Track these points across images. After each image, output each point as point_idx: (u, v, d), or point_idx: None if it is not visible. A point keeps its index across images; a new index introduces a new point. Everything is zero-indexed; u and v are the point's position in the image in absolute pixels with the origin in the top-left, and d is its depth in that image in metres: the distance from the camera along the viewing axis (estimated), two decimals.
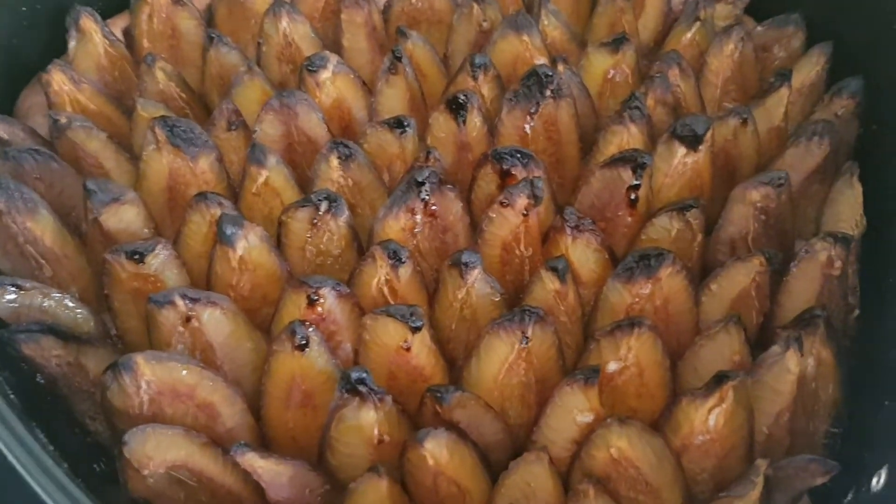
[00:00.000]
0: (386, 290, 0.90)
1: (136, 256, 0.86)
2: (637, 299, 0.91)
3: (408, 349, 0.84)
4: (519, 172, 0.96)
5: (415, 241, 0.94)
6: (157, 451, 0.75)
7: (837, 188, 1.03)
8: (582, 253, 0.95)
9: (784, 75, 1.08)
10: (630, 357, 0.87)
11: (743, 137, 1.04)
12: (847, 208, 1.01)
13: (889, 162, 1.05)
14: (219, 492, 0.76)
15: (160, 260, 0.88)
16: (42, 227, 0.89)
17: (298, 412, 0.83)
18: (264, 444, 0.84)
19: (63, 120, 0.95)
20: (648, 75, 1.08)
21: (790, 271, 0.95)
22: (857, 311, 0.98)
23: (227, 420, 0.81)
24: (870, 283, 0.99)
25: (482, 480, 0.81)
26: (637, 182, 0.96)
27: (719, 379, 0.82)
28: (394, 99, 1.06)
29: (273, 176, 0.96)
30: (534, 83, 1.02)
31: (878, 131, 1.08)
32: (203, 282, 0.90)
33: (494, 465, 0.83)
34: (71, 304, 0.86)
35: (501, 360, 0.86)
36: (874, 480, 0.79)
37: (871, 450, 0.83)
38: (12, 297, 0.83)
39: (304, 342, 0.81)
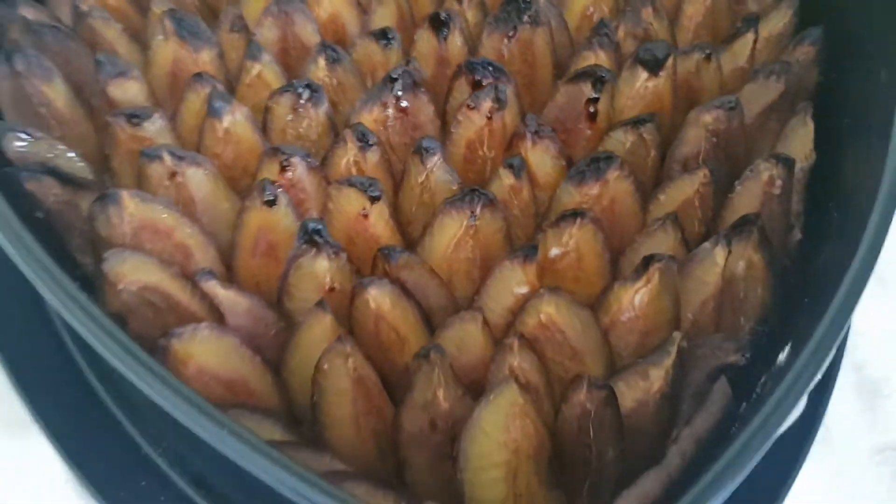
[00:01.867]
0: (354, 171, 0.99)
1: (135, 120, 0.97)
2: (586, 199, 0.99)
3: (366, 216, 0.93)
4: (488, 83, 1.05)
5: (386, 134, 1.04)
6: (132, 272, 0.84)
7: (791, 125, 1.09)
8: (540, 158, 1.03)
9: (751, 21, 1.15)
10: (571, 244, 0.94)
11: (706, 72, 1.12)
12: (798, 142, 1.07)
13: (844, 107, 1.11)
14: (184, 315, 0.85)
15: (156, 126, 0.98)
16: (55, 93, 1.00)
17: (262, 261, 0.92)
18: None
19: (84, 7, 1.07)
20: (622, 10, 1.17)
21: (734, 189, 1.01)
22: (798, 235, 1.04)
23: (200, 262, 0.91)
24: (816, 215, 1.05)
25: (421, 334, 0.89)
26: (596, 96, 1.04)
27: (647, 261, 0.89)
28: (385, 18, 1.16)
29: (265, 70, 1.06)
30: (513, 9, 1.11)
31: (836, 79, 1.14)
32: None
33: (436, 329, 0.91)
34: (74, 157, 0.96)
35: (451, 235, 0.94)
36: (780, 357, 0.85)
37: (783, 337, 0.89)
38: (23, 143, 0.93)
39: (272, 198, 0.91)
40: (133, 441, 0.97)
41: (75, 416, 0.98)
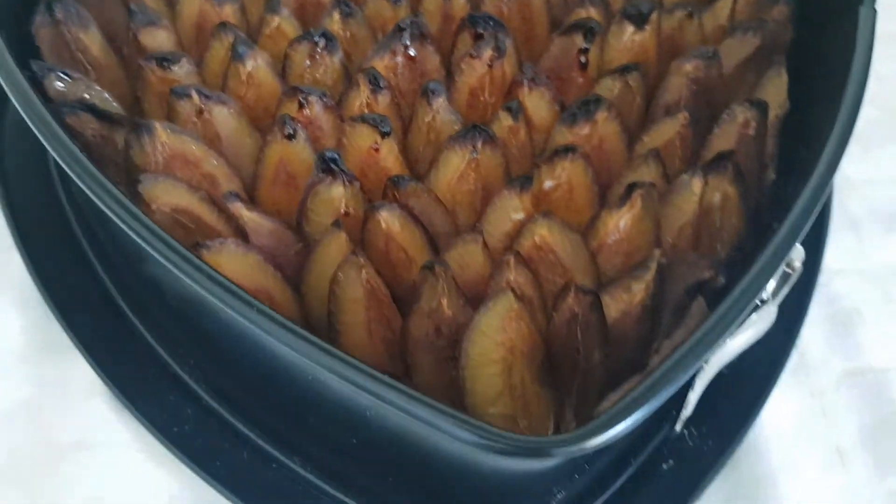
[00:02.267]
0: (367, 112, 1.08)
1: (165, 63, 1.06)
2: (577, 139, 1.08)
3: (377, 150, 1.02)
4: (489, 34, 1.14)
5: (396, 81, 1.13)
6: (165, 194, 0.93)
7: (767, 76, 1.18)
8: (536, 103, 1.12)
9: None
10: (563, 177, 1.03)
11: (688, 29, 1.21)
12: (773, 91, 1.16)
13: (815, 60, 1.21)
14: (212, 235, 0.94)
15: (184, 70, 1.07)
16: (91, 40, 1.09)
17: (283, 190, 1.01)
18: None
19: None
20: None
21: (712, 132, 1.11)
22: (773, 175, 1.13)
23: (226, 190, 1.00)
24: (787, 156, 1.15)
25: (427, 255, 0.98)
26: (587, 46, 1.13)
27: (630, 188, 0.98)
28: None
29: (283, 23, 1.15)
30: None
31: (808, 35, 1.23)
32: None
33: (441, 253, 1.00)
34: (108, 98, 1.05)
35: (455, 169, 1.03)
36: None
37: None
38: (62, 83, 1.02)
39: (292, 132, 1.00)
40: (163, 360, 1.06)
41: (110, 340, 1.07)
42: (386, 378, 0.71)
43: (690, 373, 0.75)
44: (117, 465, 1.01)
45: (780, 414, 1.08)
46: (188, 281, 0.76)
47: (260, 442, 1.01)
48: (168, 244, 0.76)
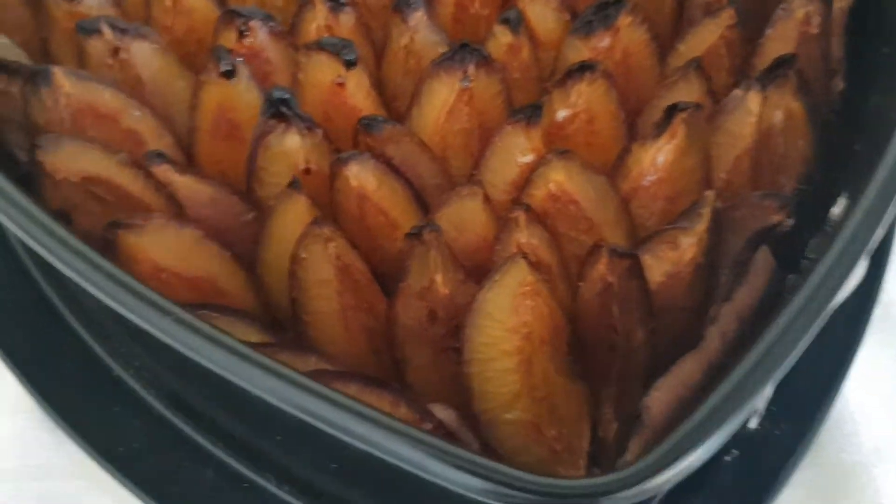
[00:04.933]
0: (326, 36, 0.85)
1: None
2: (596, 54, 0.86)
3: (341, 85, 0.81)
4: None
5: None
6: (72, 160, 0.73)
7: None
8: (540, 11, 0.90)
9: None
10: (580, 104, 0.82)
11: None
12: None
13: None
14: (138, 209, 0.74)
15: (96, 1, 0.85)
16: None
17: (226, 144, 0.80)
18: None
19: None
20: None
21: (765, 33, 0.88)
22: (841, 84, 0.91)
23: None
24: (859, 60, 0.92)
25: (414, 216, 0.77)
26: None
27: (669, 112, 0.76)
28: None
29: None
30: None
31: None
32: None
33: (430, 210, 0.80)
34: (8, 44, 0.84)
35: (442, 102, 0.82)
36: (831, 215, 0.73)
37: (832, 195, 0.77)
38: None
39: (230, 69, 0.78)
40: (102, 363, 0.87)
41: (36, 337, 0.88)
42: (352, 405, 0.51)
43: (781, 371, 0.54)
44: (52, 498, 0.83)
45: (867, 385, 0.88)
46: (86, 285, 0.56)
47: (226, 458, 0.82)
48: (44, 228, 0.56)
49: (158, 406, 0.85)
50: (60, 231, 0.60)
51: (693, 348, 0.73)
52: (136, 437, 0.84)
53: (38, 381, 0.86)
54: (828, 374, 0.85)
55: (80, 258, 0.59)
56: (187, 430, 0.84)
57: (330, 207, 0.77)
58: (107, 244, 0.68)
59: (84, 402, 0.85)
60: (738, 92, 0.80)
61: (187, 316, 0.53)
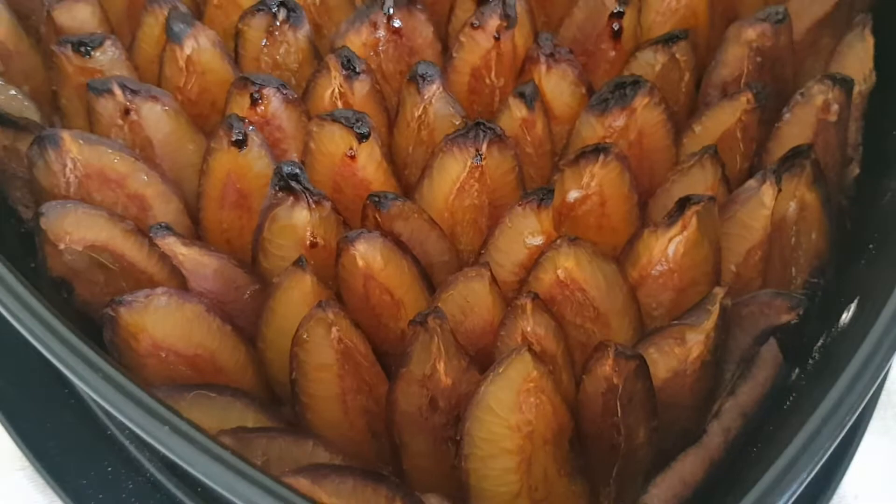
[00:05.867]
0: (340, 104, 0.85)
1: (83, 49, 0.83)
2: (610, 133, 0.85)
3: (353, 157, 0.80)
4: None
5: (378, 61, 0.89)
6: (76, 228, 0.72)
7: (847, 41, 0.94)
8: (556, 85, 0.89)
9: None
10: (593, 185, 0.81)
11: None
12: (855, 61, 0.92)
13: None
14: (141, 279, 0.73)
15: (108, 56, 0.84)
16: None
17: (233, 213, 0.79)
18: None
19: None
20: None
21: (782, 117, 0.87)
22: (857, 170, 0.90)
23: (160, 216, 0.78)
24: (874, 144, 0.91)
25: (420, 295, 0.76)
26: (620, 10, 0.89)
27: (682, 203, 0.75)
28: None
29: None
30: None
31: None
32: None
33: (437, 289, 0.78)
34: (18, 95, 0.83)
35: (454, 178, 0.81)
36: (843, 316, 0.72)
37: (844, 292, 0.76)
38: None
39: (241, 137, 0.78)
40: (97, 420, 0.85)
41: (32, 392, 0.86)
42: None
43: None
44: None
45: (865, 471, 0.87)
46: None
47: None
48: (37, 316, 0.54)
49: (151, 468, 0.83)
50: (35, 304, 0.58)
51: (695, 443, 0.72)
52: (129, 499, 0.82)
53: (31, 437, 0.84)
54: (829, 465, 0.84)
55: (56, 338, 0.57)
56: (180, 494, 0.82)
57: (334, 280, 0.76)
58: (106, 319, 0.67)
59: (78, 461, 0.83)
60: (752, 183, 0.79)
61: (180, 423, 0.51)
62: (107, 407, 0.51)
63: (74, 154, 0.74)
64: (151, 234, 0.72)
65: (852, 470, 0.86)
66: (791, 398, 0.73)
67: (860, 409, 0.57)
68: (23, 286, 0.59)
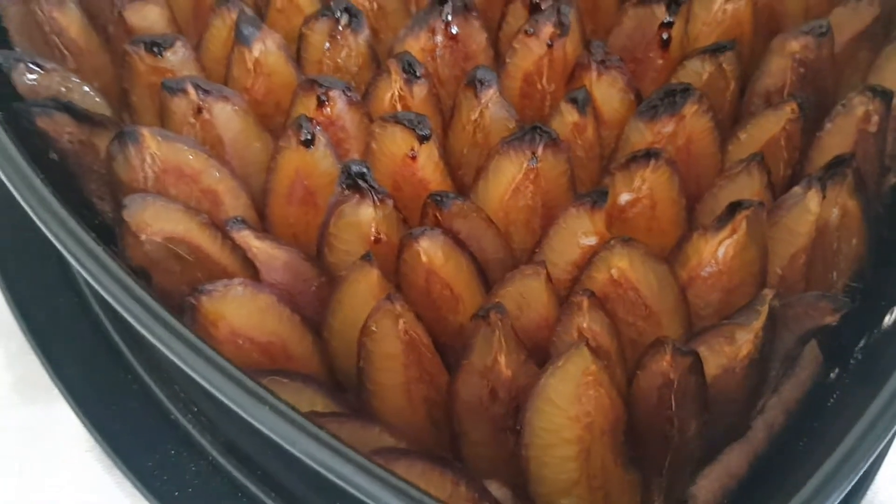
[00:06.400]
0: (399, 106, 0.88)
1: (156, 48, 0.87)
2: (659, 138, 0.88)
3: (413, 158, 0.83)
4: (548, 5, 0.93)
5: (434, 65, 0.93)
6: (155, 220, 0.75)
7: (885, 53, 0.97)
8: (606, 91, 0.92)
9: None
10: (643, 189, 0.84)
11: None
12: (893, 74, 0.95)
13: None
14: (215, 269, 0.76)
15: (179, 57, 0.88)
16: (69, 19, 0.90)
17: (300, 209, 0.83)
18: None
19: None
20: None
21: (824, 127, 0.90)
22: (893, 179, 0.93)
23: (231, 210, 0.82)
24: None
25: (477, 290, 0.80)
26: (670, 20, 0.92)
27: (733, 208, 0.79)
28: None
29: None
30: None
31: None
32: None
33: (492, 284, 0.82)
34: (90, 92, 0.87)
35: (509, 180, 0.84)
36: (886, 318, 0.75)
37: (882, 295, 0.79)
38: (34, 75, 0.84)
39: (309, 137, 0.81)
40: (162, 406, 0.89)
41: (99, 378, 0.90)
42: (409, 490, 0.53)
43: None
44: None
45: None
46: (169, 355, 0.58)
47: None
48: (140, 301, 0.58)
49: (214, 452, 0.87)
50: (142, 294, 0.62)
51: (740, 437, 0.76)
52: (191, 481, 0.86)
53: (99, 421, 0.88)
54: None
55: (160, 323, 0.61)
56: (240, 477, 0.86)
57: (395, 275, 0.80)
58: (187, 307, 0.71)
59: (143, 444, 0.87)
60: (797, 189, 0.82)
61: (258, 387, 0.54)
62: (210, 389, 0.54)
63: (153, 150, 0.78)
64: (228, 228, 0.76)
65: (882, 477, 0.89)
66: (834, 396, 0.76)
67: None
68: (119, 268, 0.62)
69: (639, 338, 0.79)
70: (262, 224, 0.84)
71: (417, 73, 0.87)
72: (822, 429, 0.73)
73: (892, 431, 0.59)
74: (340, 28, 0.90)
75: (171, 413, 0.89)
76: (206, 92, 0.83)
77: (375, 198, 0.79)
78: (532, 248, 0.84)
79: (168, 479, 0.85)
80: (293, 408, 0.54)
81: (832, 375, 0.81)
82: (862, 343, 0.79)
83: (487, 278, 0.81)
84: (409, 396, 0.74)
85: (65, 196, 0.81)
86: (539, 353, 0.76)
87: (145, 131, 0.78)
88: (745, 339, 0.74)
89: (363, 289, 0.76)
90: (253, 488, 0.85)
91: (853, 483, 0.57)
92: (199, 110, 0.83)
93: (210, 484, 0.86)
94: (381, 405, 0.74)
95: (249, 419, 0.54)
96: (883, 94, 0.89)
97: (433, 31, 0.91)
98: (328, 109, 0.84)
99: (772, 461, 0.75)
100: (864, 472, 0.86)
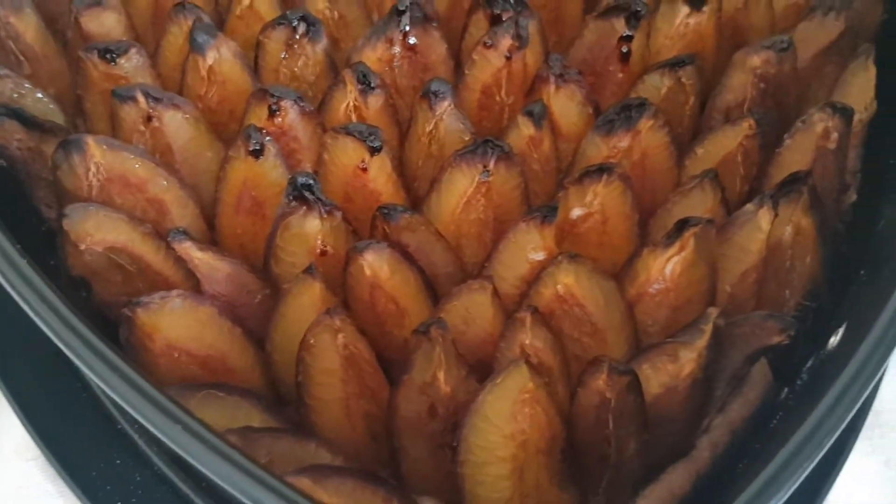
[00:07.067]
0: (354, 117, 0.88)
1: (109, 55, 0.86)
2: (615, 153, 0.88)
3: (364, 170, 0.83)
4: (508, 17, 0.93)
5: (392, 76, 0.92)
6: (97, 230, 0.75)
7: (851, 69, 0.96)
8: (564, 104, 0.91)
9: None
10: (595, 204, 0.83)
11: (755, 8, 0.99)
12: (858, 90, 0.94)
13: None
14: (157, 280, 0.76)
15: (133, 64, 0.88)
16: (25, 24, 0.90)
17: (248, 219, 0.82)
18: None
19: None
20: None
21: (783, 143, 0.89)
22: (854, 196, 0.92)
23: (178, 220, 0.81)
24: (872, 171, 0.93)
25: (424, 304, 0.79)
26: (630, 33, 0.91)
27: (681, 225, 0.78)
28: None
29: (258, 1, 0.95)
30: None
31: None
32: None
33: (442, 298, 0.81)
34: (43, 98, 0.86)
35: (461, 192, 0.83)
36: (832, 339, 0.75)
37: (835, 315, 0.78)
38: None
39: (258, 147, 0.81)
40: (107, 414, 0.88)
41: (43, 385, 0.89)
42: None
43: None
44: None
45: (852, 493, 0.89)
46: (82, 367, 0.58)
47: None
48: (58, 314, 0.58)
49: (159, 462, 0.86)
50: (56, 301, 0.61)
51: (684, 457, 0.75)
52: (136, 491, 0.85)
53: (43, 429, 0.87)
54: (814, 484, 0.86)
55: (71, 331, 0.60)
56: (185, 488, 0.85)
57: (342, 288, 0.79)
58: (123, 319, 0.71)
59: (88, 453, 0.87)
60: (750, 207, 0.81)
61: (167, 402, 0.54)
62: (122, 404, 0.54)
63: (98, 158, 0.78)
64: (169, 239, 0.75)
65: (838, 489, 0.88)
66: (778, 417, 0.75)
67: (839, 431, 0.59)
68: (45, 284, 0.62)
69: (584, 354, 0.78)
70: (212, 234, 0.83)
71: (372, 84, 0.86)
72: (763, 449, 0.72)
73: (821, 452, 0.59)
74: (297, 37, 0.89)
75: (117, 423, 0.88)
76: (157, 100, 0.83)
77: (322, 210, 0.78)
78: (482, 261, 0.83)
79: (111, 488, 0.85)
80: (205, 426, 0.53)
81: (782, 396, 0.80)
82: (809, 364, 0.78)
83: (436, 292, 0.81)
84: (348, 412, 0.74)
85: (10, 203, 0.81)
86: (484, 368, 0.75)
87: (90, 139, 0.77)
88: (688, 358, 0.74)
89: (306, 302, 0.75)
90: (197, 499, 0.84)
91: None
92: (148, 118, 0.83)
93: (154, 494, 0.85)
94: (320, 420, 0.74)
95: (161, 437, 0.53)
96: (843, 111, 0.88)
97: (391, 42, 0.91)
98: (280, 119, 0.84)
99: (715, 481, 0.75)
100: (814, 487, 0.86)
